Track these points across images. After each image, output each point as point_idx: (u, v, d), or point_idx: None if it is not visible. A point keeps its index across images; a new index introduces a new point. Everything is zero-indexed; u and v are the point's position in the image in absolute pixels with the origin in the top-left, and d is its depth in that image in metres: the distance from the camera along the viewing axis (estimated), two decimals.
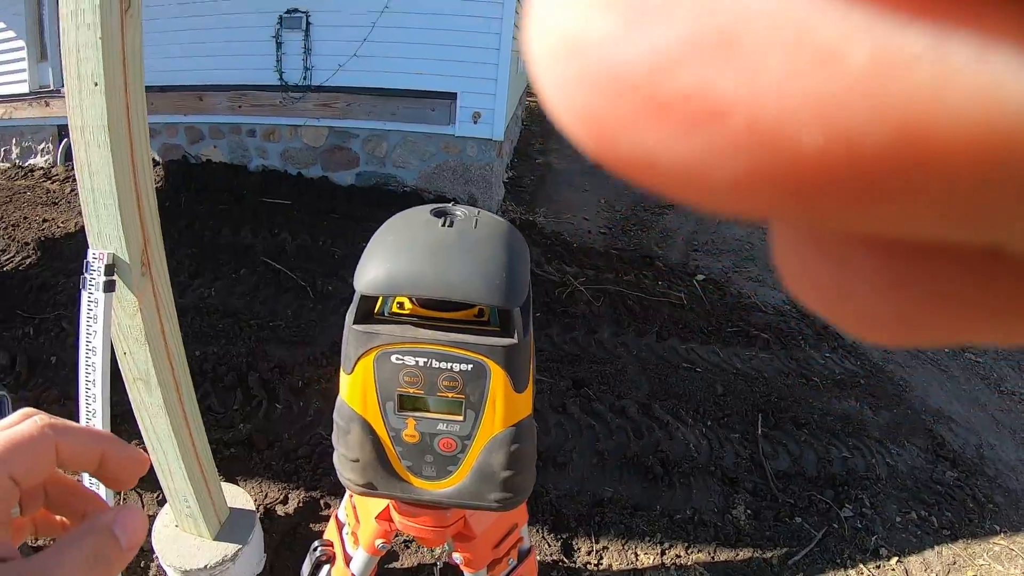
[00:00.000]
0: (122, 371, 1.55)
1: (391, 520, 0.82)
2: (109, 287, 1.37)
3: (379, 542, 0.83)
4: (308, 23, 6.02)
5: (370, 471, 0.71)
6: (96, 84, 1.30)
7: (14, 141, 7.02)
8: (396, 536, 0.87)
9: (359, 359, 0.66)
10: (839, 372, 3.74)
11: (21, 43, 6.75)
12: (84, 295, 1.35)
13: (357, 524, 0.88)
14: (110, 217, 1.37)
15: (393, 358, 0.65)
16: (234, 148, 6.47)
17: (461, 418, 0.68)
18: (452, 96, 5.73)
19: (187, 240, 4.68)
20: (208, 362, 3.18)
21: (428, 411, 0.68)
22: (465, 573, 0.86)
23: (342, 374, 0.69)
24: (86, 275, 1.36)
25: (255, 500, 2.29)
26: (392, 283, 0.62)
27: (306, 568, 0.89)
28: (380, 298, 0.69)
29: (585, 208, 6.54)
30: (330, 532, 0.96)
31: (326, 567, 0.91)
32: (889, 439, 3.15)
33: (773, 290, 4.96)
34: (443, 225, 0.66)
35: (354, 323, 0.66)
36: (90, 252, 1.38)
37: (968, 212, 0.08)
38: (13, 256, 4.42)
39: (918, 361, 4.12)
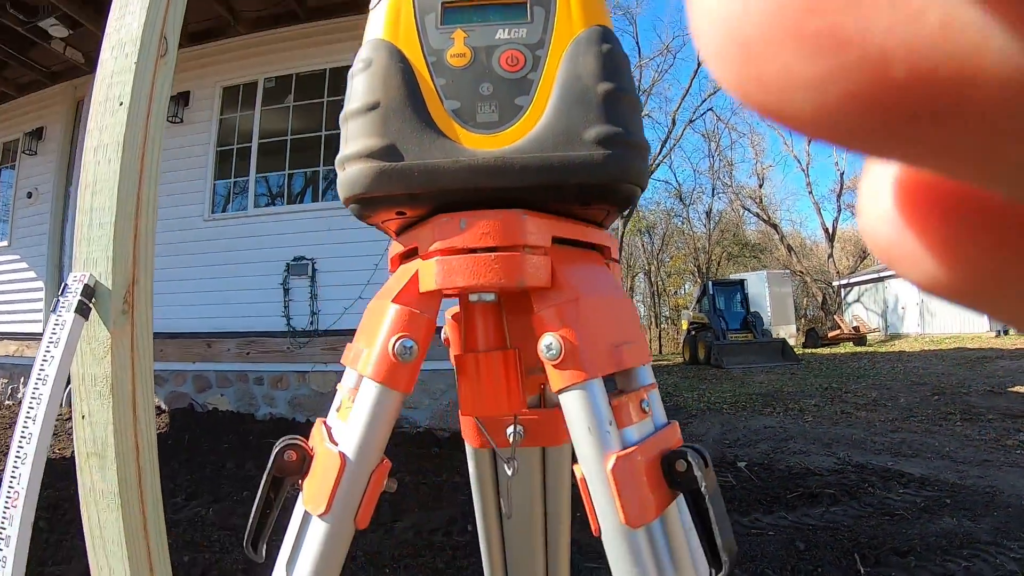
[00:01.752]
0: (75, 447, 1.26)
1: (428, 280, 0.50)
2: (82, 310, 1.17)
3: (397, 342, 0.50)
4: (314, 269, 6.34)
5: (395, 120, 0.47)
6: (121, 104, 1.28)
7: (23, 380, 6.94)
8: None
9: None
10: (921, 501, 3.45)
11: (40, 284, 7.07)
12: (51, 318, 1.15)
13: (366, 344, 0.53)
14: (102, 237, 1.24)
15: None
16: (241, 396, 6.39)
17: (528, 19, 0.49)
18: None
19: (187, 470, 4.36)
20: (196, 567, 2.68)
21: (482, 22, 0.49)
22: (560, 383, 0.48)
23: (370, 16, 0.51)
24: (59, 298, 1.17)
25: None
26: None
27: (264, 484, 0.55)
28: None
29: None
30: (312, 438, 0.61)
31: (292, 496, 0.56)
32: (1005, 538, 2.81)
33: (822, 456, 4.71)
34: None
35: None
36: (71, 275, 1.21)
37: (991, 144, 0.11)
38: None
39: (995, 467, 3.96)
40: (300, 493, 0.54)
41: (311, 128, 6.60)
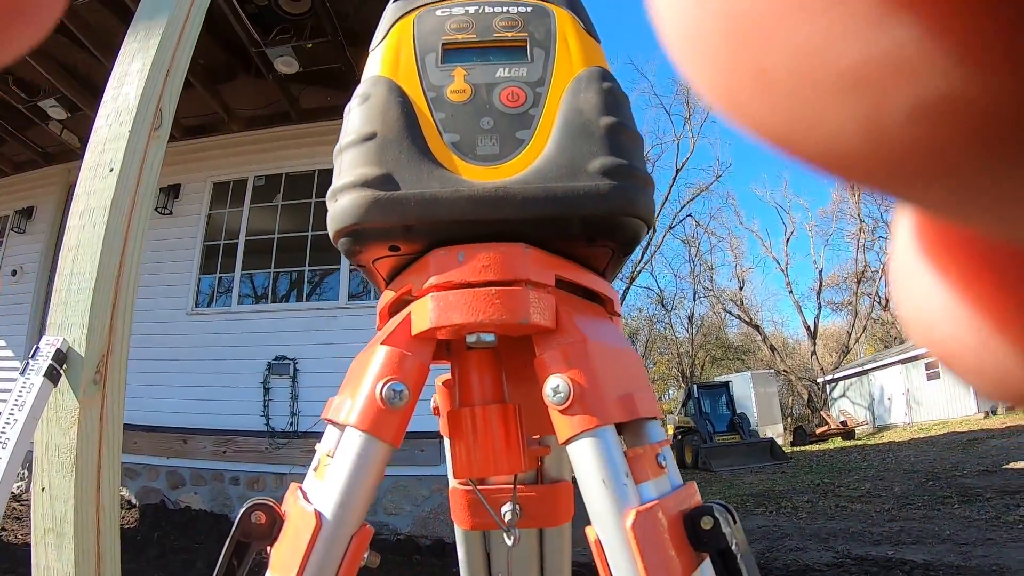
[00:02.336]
0: (32, 521, 1.16)
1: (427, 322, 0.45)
2: (52, 375, 1.11)
3: (385, 387, 0.44)
4: (296, 369, 6.25)
5: (391, 150, 0.45)
6: (112, 170, 1.29)
7: None
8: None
9: (394, 24, 0.51)
10: None
11: (17, 363, 6.80)
12: (19, 382, 1.09)
13: (350, 394, 0.47)
14: (79, 302, 1.20)
15: (438, 12, 0.50)
16: (216, 496, 6.13)
17: (528, 59, 0.49)
18: (440, 436, 5.78)
19: (155, 568, 4.11)
20: None
21: (483, 62, 0.49)
22: (569, 430, 0.43)
23: (370, 57, 0.52)
24: (29, 361, 1.11)
25: None
26: None
27: (226, 549, 0.48)
28: None
29: None
30: (285, 501, 0.51)
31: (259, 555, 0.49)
32: None
33: (820, 552, 4.57)
34: None
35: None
36: (43, 339, 1.16)
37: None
38: None
39: (999, 545, 3.88)
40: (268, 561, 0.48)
41: (298, 228, 6.69)
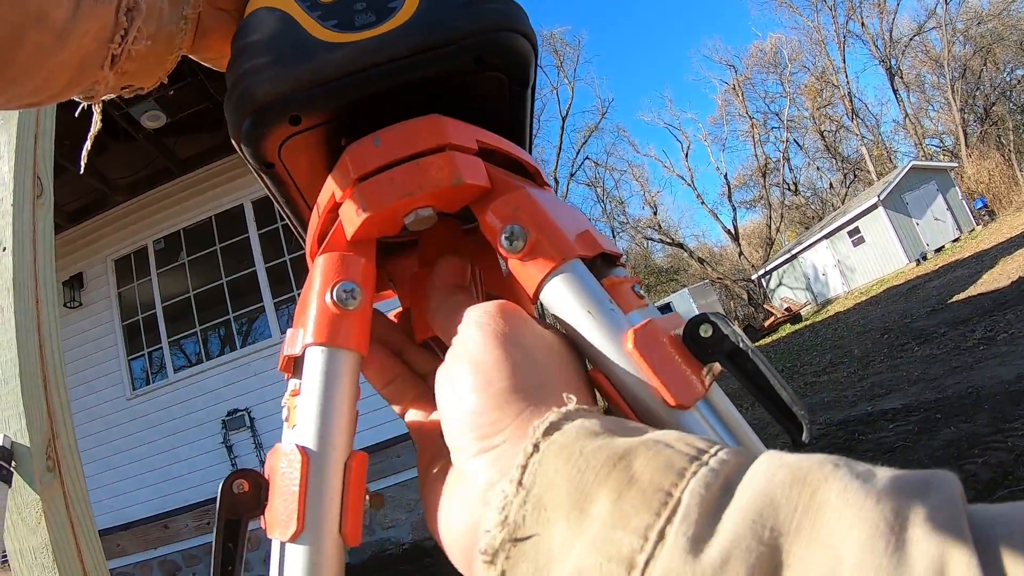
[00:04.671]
0: None
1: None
2: (3, 475, 1.05)
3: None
4: (252, 418, 6.09)
5: (277, 43, 0.43)
6: (4, 248, 1.21)
7: None
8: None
9: None
10: (913, 426, 3.52)
11: None
12: None
13: (300, 324, 0.42)
14: (9, 394, 1.13)
15: None
16: None
17: None
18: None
19: None
20: None
21: None
22: (538, 274, 0.40)
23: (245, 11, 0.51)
24: None
25: None
26: None
27: (216, 534, 0.41)
28: None
29: None
30: (267, 465, 0.45)
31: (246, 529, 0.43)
32: (1003, 423, 2.93)
33: None
34: None
35: None
36: None
37: None
38: None
39: (966, 370, 3.94)
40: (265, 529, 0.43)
41: (211, 279, 6.46)
